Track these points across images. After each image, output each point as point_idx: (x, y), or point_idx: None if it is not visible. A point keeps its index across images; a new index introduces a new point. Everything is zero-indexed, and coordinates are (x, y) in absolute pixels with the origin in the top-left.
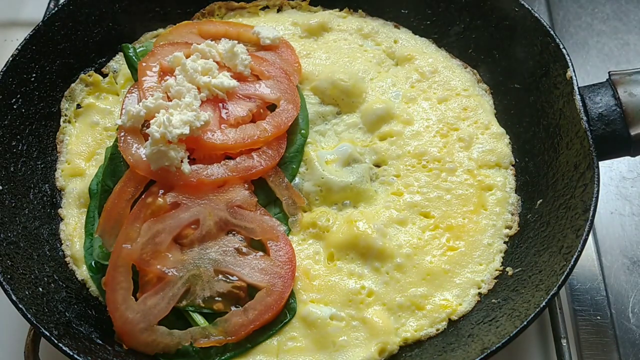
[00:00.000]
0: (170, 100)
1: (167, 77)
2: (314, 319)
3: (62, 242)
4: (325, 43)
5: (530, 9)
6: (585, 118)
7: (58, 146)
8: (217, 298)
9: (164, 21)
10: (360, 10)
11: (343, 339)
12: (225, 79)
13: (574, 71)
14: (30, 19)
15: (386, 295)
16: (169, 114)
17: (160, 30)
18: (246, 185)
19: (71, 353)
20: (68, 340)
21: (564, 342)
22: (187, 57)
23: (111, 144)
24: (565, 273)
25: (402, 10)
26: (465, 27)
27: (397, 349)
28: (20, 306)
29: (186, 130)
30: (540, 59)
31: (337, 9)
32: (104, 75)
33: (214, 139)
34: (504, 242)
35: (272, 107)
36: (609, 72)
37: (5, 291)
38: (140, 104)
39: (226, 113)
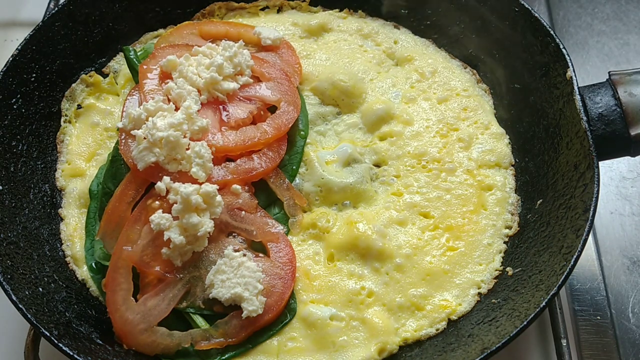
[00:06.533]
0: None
1: (168, 79)
2: (314, 319)
3: (63, 242)
4: (325, 43)
5: (530, 9)
6: (585, 118)
7: (58, 146)
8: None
9: (164, 21)
10: (360, 11)
11: (343, 339)
12: (225, 82)
13: (574, 71)
14: (30, 19)
15: (386, 296)
16: (163, 116)
17: (161, 31)
18: (247, 187)
19: (71, 353)
20: (68, 340)
21: (564, 342)
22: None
23: (111, 144)
24: (565, 273)
25: (402, 11)
26: (465, 27)
27: (396, 349)
28: (20, 306)
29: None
30: (540, 59)
31: (337, 10)
32: (105, 76)
33: (215, 141)
34: (504, 242)
35: (272, 109)
36: (609, 72)
37: (5, 291)
38: (141, 106)
39: (226, 115)
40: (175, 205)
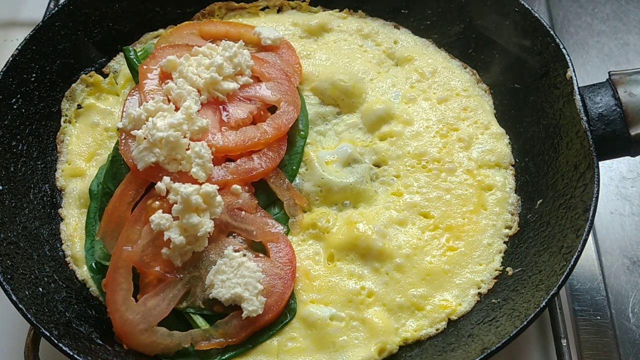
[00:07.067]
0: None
1: (168, 80)
2: (314, 319)
3: (63, 242)
4: (325, 43)
5: (530, 8)
6: (585, 118)
7: (58, 146)
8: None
9: (164, 21)
10: (360, 11)
11: (343, 339)
12: (225, 82)
13: (574, 71)
14: (30, 19)
15: (386, 296)
16: (163, 116)
17: (161, 31)
18: (247, 188)
19: (71, 353)
20: (68, 340)
21: (564, 342)
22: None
23: (111, 144)
24: (565, 273)
25: (402, 11)
26: (465, 27)
27: (396, 349)
28: (20, 306)
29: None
30: (540, 59)
31: (337, 10)
32: (105, 76)
33: (215, 141)
34: (504, 242)
35: (272, 109)
36: (609, 72)
37: (5, 291)
38: (141, 107)
39: (226, 115)
40: (175, 205)
